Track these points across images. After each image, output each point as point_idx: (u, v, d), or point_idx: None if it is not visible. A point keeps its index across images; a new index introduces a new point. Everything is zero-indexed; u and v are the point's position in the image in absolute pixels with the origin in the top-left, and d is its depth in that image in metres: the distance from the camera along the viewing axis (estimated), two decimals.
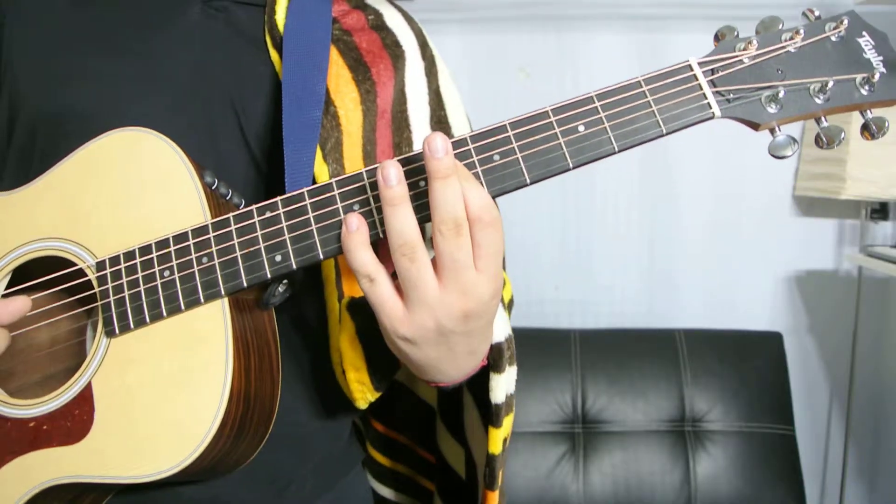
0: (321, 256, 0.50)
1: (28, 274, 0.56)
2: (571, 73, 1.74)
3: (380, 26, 0.70)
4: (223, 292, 0.51)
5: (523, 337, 1.76)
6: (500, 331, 0.58)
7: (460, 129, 0.71)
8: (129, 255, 0.53)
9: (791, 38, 0.51)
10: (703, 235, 1.78)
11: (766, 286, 1.81)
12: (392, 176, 0.45)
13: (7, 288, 0.56)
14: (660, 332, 1.66)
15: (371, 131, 0.65)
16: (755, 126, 0.52)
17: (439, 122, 0.71)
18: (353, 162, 0.62)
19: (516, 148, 0.50)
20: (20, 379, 0.57)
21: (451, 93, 0.74)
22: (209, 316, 0.51)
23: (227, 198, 0.55)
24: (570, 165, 0.50)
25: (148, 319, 0.52)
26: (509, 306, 0.71)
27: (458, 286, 0.45)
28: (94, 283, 0.53)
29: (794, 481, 1.53)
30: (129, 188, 0.55)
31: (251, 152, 0.62)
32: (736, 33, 0.53)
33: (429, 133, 0.69)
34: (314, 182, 0.57)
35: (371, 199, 0.50)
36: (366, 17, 0.71)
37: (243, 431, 0.52)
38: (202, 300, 0.51)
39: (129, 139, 0.56)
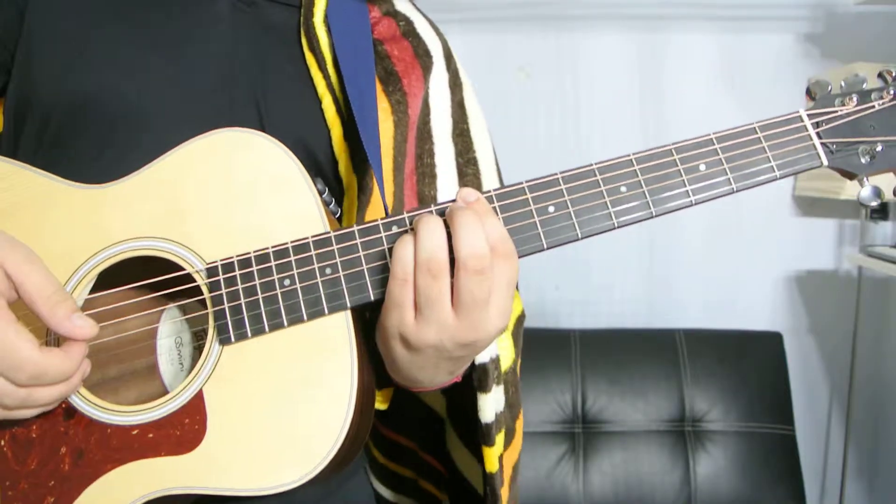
0: None
1: (114, 271, 0.53)
2: (571, 73, 1.74)
3: (410, 33, 0.69)
4: (349, 304, 0.50)
5: (523, 337, 1.76)
6: (486, 352, 0.59)
7: (482, 142, 0.72)
8: (245, 262, 0.51)
9: (881, 98, 0.56)
10: (704, 235, 1.78)
11: (766, 286, 1.81)
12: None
13: (96, 284, 0.54)
14: (660, 332, 1.66)
15: (402, 142, 0.64)
16: (852, 177, 0.56)
17: (461, 134, 0.71)
18: (385, 172, 0.61)
19: (641, 181, 0.53)
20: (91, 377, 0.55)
21: (473, 106, 0.73)
22: (332, 327, 0.50)
23: (329, 205, 0.55)
24: (692, 202, 0.54)
25: (267, 329, 0.50)
26: (519, 323, 0.71)
27: (471, 320, 0.47)
28: (205, 289, 0.51)
29: (794, 481, 1.53)
30: (240, 191, 0.53)
31: None
32: (829, 88, 0.57)
33: (450, 145, 0.69)
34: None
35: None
36: (397, 24, 0.69)
37: (354, 443, 0.51)
38: (326, 312, 0.50)
39: (237, 140, 0.54)
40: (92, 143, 0.58)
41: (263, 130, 0.60)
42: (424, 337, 0.48)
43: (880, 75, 0.56)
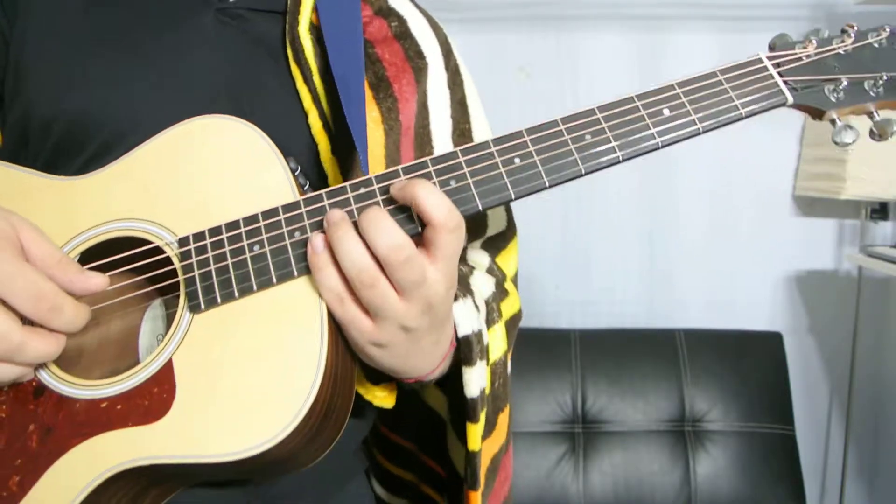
0: (419, 230, 0.51)
1: (98, 256, 0.54)
2: (571, 73, 1.74)
3: (403, 34, 0.68)
4: None
5: (523, 337, 1.76)
6: (468, 324, 0.59)
7: (482, 137, 0.71)
8: (215, 231, 0.52)
9: (842, 42, 0.57)
10: (703, 235, 1.78)
11: (765, 286, 1.81)
12: (334, 216, 0.49)
13: None
14: (660, 332, 1.66)
15: (395, 150, 0.64)
16: (820, 114, 0.57)
17: (462, 134, 0.70)
18: None
19: (606, 129, 0.55)
20: (68, 357, 0.54)
21: (475, 103, 0.72)
22: (300, 290, 0.50)
23: (305, 188, 0.55)
24: (659, 144, 0.55)
25: (237, 294, 0.50)
26: (513, 320, 0.71)
27: (419, 297, 0.48)
28: (175, 259, 0.52)
29: (794, 481, 1.53)
30: (213, 172, 0.54)
31: None
32: (788, 39, 0.58)
33: (450, 146, 0.68)
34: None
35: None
36: (389, 25, 0.68)
37: (328, 416, 0.51)
38: (296, 273, 0.50)
39: (210, 125, 0.54)
40: (89, 158, 0.58)
41: None
42: (389, 333, 0.49)
43: (843, 30, 0.58)
